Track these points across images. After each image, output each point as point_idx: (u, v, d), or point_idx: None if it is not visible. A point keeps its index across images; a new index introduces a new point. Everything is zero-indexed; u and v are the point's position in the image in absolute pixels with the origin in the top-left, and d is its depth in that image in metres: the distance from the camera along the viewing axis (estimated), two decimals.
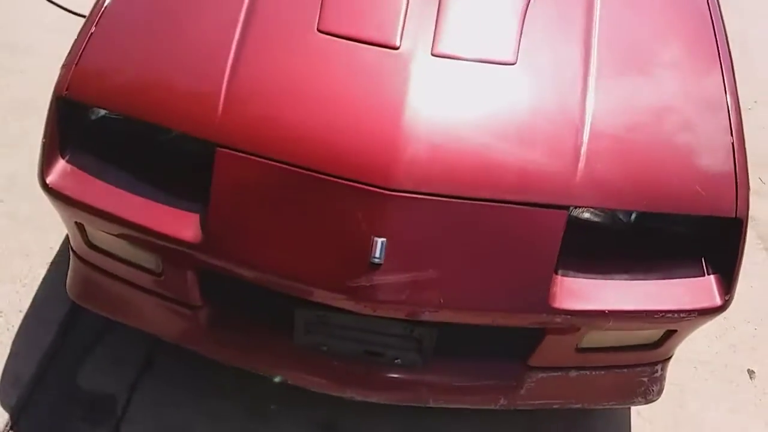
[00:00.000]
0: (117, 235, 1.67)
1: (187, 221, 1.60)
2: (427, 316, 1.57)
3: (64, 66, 1.69)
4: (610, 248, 1.68)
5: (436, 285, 1.54)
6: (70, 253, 1.86)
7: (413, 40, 1.72)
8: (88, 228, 1.72)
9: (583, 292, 1.58)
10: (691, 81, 1.78)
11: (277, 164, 1.56)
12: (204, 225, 1.57)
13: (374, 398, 1.78)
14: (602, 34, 1.80)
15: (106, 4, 1.76)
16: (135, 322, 1.89)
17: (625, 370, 1.78)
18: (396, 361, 1.71)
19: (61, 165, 1.66)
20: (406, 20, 1.75)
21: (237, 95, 1.62)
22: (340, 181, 1.54)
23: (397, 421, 2.00)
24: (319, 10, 1.75)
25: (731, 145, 1.68)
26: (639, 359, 1.76)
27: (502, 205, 1.56)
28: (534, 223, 1.56)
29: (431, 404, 1.79)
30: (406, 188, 1.53)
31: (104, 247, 1.74)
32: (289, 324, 1.70)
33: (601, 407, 1.87)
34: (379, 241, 1.51)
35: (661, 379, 1.84)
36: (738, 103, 1.76)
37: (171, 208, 1.63)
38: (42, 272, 2.16)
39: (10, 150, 2.52)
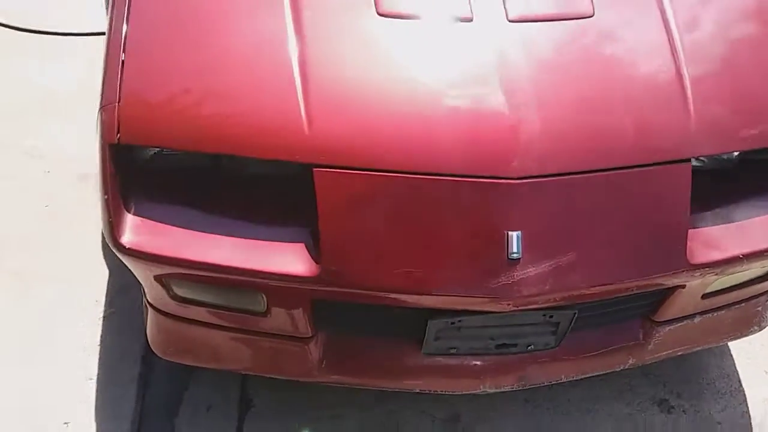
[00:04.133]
0: (212, 284, 1.50)
1: (293, 254, 1.45)
2: (569, 300, 1.50)
3: (103, 108, 1.46)
4: (722, 189, 1.64)
5: (577, 267, 1.45)
6: (148, 308, 1.66)
7: (483, 8, 1.57)
8: (174, 281, 1.54)
9: (716, 241, 1.53)
10: None
11: (385, 174, 1.42)
12: (317, 254, 1.42)
13: (508, 387, 1.71)
14: None
15: (125, 26, 1.52)
16: (236, 367, 1.73)
17: (743, 304, 1.77)
18: (529, 347, 1.64)
19: (132, 220, 1.45)
20: None
21: (318, 106, 1.44)
22: (458, 179, 1.41)
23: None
24: None
25: None
26: (756, 291, 1.75)
27: (626, 171, 1.47)
28: (661, 182, 1.49)
29: (563, 380, 1.75)
30: (530, 173, 1.42)
31: (194, 297, 1.56)
32: (411, 334, 1.60)
33: (721, 344, 1.89)
34: (514, 234, 1.41)
35: None
36: None
37: (270, 243, 1.46)
38: (97, 332, 1.96)
39: None
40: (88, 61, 2.62)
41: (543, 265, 1.43)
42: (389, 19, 1.55)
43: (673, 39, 1.59)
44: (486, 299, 1.43)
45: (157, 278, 1.53)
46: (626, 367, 1.77)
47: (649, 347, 1.74)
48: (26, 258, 2.11)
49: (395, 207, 1.43)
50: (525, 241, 1.41)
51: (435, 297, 1.45)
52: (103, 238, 2.11)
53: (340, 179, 1.42)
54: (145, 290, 1.62)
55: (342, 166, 1.42)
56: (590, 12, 1.61)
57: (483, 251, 1.42)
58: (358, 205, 1.43)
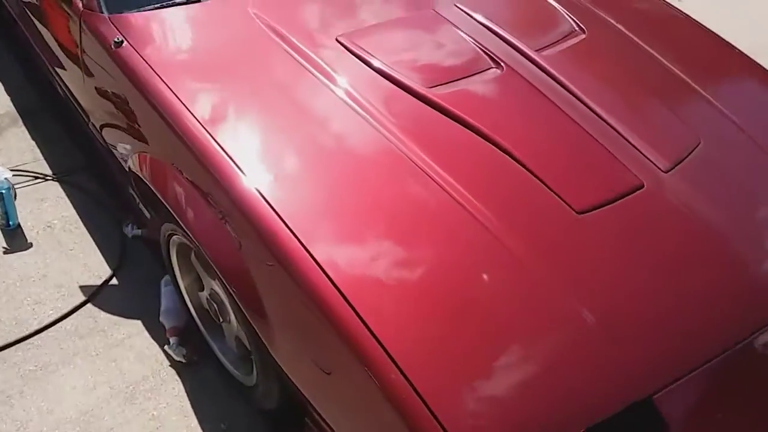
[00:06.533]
0: None
1: None
2: None
3: None
4: None
5: None
6: None
7: (641, 171, 1.70)
8: None
9: None
10: None
11: (695, 373, 1.43)
12: None
13: None
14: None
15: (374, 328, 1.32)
16: None
17: None
18: None
19: None
20: (618, 158, 1.71)
21: (615, 330, 1.41)
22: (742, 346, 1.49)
23: None
24: (552, 194, 1.60)
25: None
26: None
27: None
28: None
29: None
30: None
31: None
32: None
33: None
34: None
35: None
36: None
37: None
38: None
39: None
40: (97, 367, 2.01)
41: None
42: (590, 213, 1.58)
43: None
44: None
45: None
46: None
47: None
48: None
49: (717, 396, 1.46)
50: None
51: None
52: None
53: (676, 395, 1.39)
54: None
55: (672, 382, 1.40)
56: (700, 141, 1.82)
57: None
58: (700, 411, 1.44)
